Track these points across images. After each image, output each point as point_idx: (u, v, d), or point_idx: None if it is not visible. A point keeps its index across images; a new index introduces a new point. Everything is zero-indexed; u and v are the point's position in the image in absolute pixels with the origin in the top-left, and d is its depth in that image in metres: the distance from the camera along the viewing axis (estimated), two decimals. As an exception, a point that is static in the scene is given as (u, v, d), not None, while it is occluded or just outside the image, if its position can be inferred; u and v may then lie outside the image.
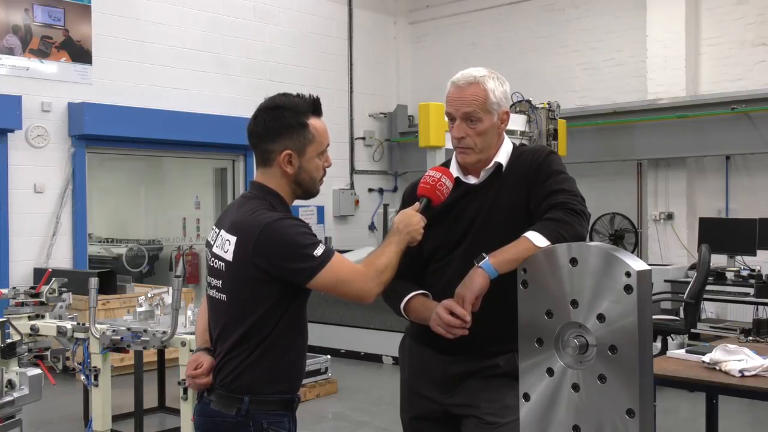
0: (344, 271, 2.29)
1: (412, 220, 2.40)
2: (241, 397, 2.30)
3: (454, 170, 2.64)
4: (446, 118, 2.62)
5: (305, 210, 10.42)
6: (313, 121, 2.39)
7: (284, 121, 2.35)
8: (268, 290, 2.29)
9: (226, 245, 2.35)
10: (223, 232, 2.39)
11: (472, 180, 2.62)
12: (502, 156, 2.60)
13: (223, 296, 2.37)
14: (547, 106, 8.73)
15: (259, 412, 2.30)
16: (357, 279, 2.29)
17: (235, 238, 2.32)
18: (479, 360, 2.54)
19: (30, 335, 4.73)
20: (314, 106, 2.40)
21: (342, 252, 2.43)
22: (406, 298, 2.57)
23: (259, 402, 2.30)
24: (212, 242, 2.45)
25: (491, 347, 2.52)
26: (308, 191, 2.45)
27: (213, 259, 2.42)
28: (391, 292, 2.60)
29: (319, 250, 2.26)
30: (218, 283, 2.39)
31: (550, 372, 1.93)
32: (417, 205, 2.47)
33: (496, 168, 2.59)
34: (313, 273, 2.25)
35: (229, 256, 2.33)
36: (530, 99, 8.75)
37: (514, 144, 2.67)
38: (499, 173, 2.59)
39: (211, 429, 2.35)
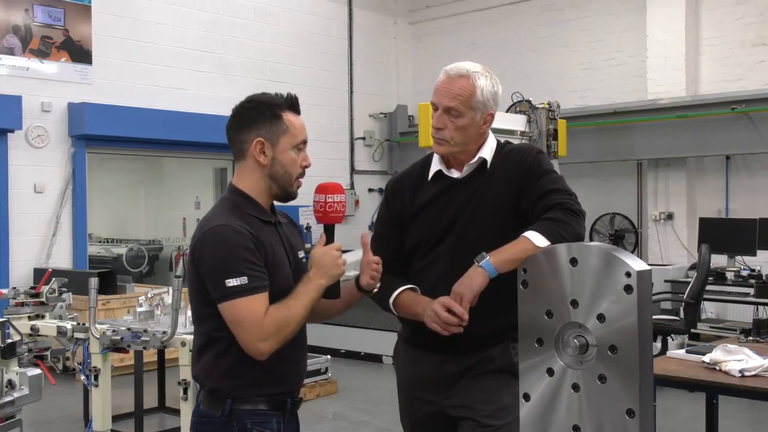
0: (244, 316, 2.17)
1: (324, 259, 2.27)
2: (224, 399, 2.29)
3: (437, 162, 2.62)
4: (431, 106, 2.58)
5: (306, 210, 10.40)
6: (288, 115, 2.35)
7: (257, 111, 2.33)
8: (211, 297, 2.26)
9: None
10: None
11: (455, 174, 2.60)
12: (487, 152, 2.58)
13: (189, 299, 2.39)
14: (547, 106, 8.74)
15: (243, 413, 2.28)
16: (252, 331, 2.17)
17: (192, 241, 2.33)
18: (473, 354, 2.54)
19: (30, 335, 4.73)
20: (290, 102, 2.36)
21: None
22: (396, 293, 2.55)
23: (241, 402, 2.29)
24: None
25: (484, 341, 2.53)
26: (284, 188, 2.36)
27: None
28: (378, 288, 2.53)
29: (234, 281, 2.16)
30: (188, 286, 2.41)
31: (550, 372, 1.93)
32: (323, 237, 2.33)
33: (480, 163, 2.58)
34: (218, 301, 2.20)
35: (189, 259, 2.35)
36: (530, 99, 8.76)
37: (498, 141, 2.66)
38: (483, 169, 2.58)
39: (202, 429, 2.35)
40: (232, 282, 2.16)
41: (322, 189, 2.35)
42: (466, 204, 2.55)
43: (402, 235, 2.65)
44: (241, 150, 2.35)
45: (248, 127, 2.33)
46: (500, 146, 2.63)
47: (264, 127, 2.32)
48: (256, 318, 2.17)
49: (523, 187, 2.50)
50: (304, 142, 2.38)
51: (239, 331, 2.19)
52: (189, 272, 2.31)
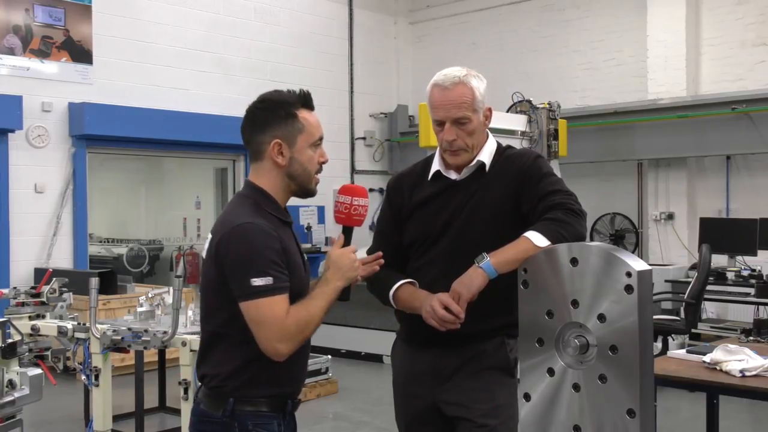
0: (266, 316, 2.16)
1: (343, 261, 2.27)
2: (226, 398, 2.27)
3: (436, 163, 2.66)
4: (433, 124, 2.58)
5: (306, 210, 10.42)
6: (302, 113, 2.34)
7: (273, 112, 2.32)
8: (230, 293, 2.22)
9: (207, 243, 2.34)
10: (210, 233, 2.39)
11: (453, 175, 2.63)
12: (486, 155, 2.61)
13: (200, 294, 2.39)
14: (547, 106, 8.73)
15: (244, 414, 2.26)
16: (272, 331, 2.16)
17: (211, 236, 2.30)
18: (468, 349, 2.57)
19: (31, 335, 4.73)
20: (304, 99, 2.36)
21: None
22: (395, 287, 2.59)
23: (244, 402, 2.27)
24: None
25: (480, 337, 2.55)
26: (303, 186, 2.36)
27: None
28: (378, 281, 2.59)
29: (260, 281, 2.15)
30: (201, 281, 2.40)
31: (550, 372, 1.93)
32: (341, 238, 2.33)
33: (479, 166, 2.61)
34: (240, 299, 2.18)
35: (204, 254, 2.33)
36: (531, 99, 8.75)
37: (498, 143, 2.68)
38: (482, 171, 2.60)
39: (201, 429, 2.33)
40: (257, 281, 2.15)
41: (348, 190, 2.35)
42: (464, 205, 2.58)
43: (401, 232, 2.68)
44: (258, 152, 2.34)
45: (264, 128, 2.32)
46: (500, 149, 2.66)
47: (280, 128, 2.31)
48: (277, 318, 2.16)
49: (523, 190, 2.52)
50: (321, 139, 2.39)
51: (259, 330, 2.17)
52: (206, 266, 2.29)
